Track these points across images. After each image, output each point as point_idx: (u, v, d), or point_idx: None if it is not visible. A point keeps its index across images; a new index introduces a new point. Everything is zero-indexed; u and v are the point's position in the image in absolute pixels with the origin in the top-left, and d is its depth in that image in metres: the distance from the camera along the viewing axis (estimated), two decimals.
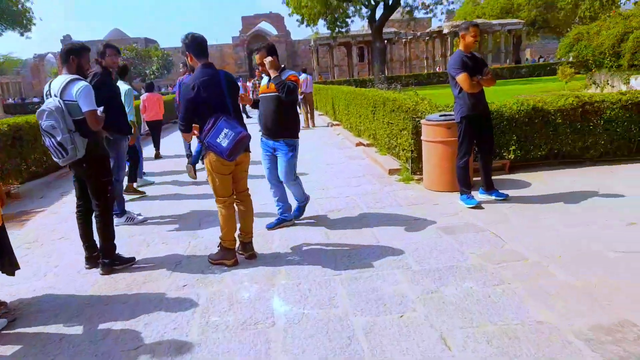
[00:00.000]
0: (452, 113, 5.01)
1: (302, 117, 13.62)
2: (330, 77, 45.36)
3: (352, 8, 31.75)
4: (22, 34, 32.63)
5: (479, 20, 44.47)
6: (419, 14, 33.24)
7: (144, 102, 9.18)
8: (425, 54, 49.32)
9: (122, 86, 5.94)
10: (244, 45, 55.55)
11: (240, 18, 57.01)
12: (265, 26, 58.86)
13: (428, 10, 32.07)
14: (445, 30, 43.81)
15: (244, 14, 59.82)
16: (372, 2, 30.61)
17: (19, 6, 31.36)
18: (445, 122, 4.76)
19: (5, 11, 30.52)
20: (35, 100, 42.83)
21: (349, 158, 7.54)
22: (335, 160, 7.48)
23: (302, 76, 13.50)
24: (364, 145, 8.16)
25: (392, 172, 6.06)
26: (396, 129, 6.21)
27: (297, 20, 31.29)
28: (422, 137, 5.16)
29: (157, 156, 9.40)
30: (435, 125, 4.84)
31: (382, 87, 15.16)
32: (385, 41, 39.59)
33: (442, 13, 35.49)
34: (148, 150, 9.46)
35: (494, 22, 43.94)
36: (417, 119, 5.46)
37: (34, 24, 32.80)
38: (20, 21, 31.89)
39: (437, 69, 46.83)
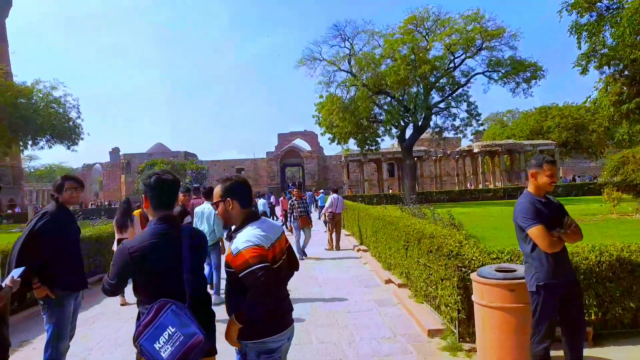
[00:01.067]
0: (513, 267, 3.81)
1: (326, 237, 12.67)
2: (360, 191, 45.29)
3: (382, 128, 32.44)
4: (69, 147, 34.55)
5: (509, 141, 44.75)
6: (448, 134, 33.53)
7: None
8: (456, 171, 49.17)
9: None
10: (277, 160, 57.46)
11: (277, 135, 59.84)
12: (300, 142, 61.35)
13: (457, 131, 32.29)
14: (476, 150, 44.05)
15: (281, 131, 62.90)
16: (402, 123, 31.22)
17: (70, 123, 33.68)
18: (505, 282, 3.52)
19: (57, 127, 32.72)
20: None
21: (376, 303, 6.17)
22: (359, 305, 6.12)
23: (334, 196, 12.98)
24: (394, 284, 6.86)
25: (432, 333, 4.67)
26: (436, 275, 4.97)
27: (328, 139, 32.02)
28: (472, 297, 3.89)
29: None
30: (491, 285, 3.59)
31: (414, 206, 14.22)
32: (415, 158, 39.85)
33: (471, 134, 35.91)
34: None
35: (526, 142, 44.00)
36: (464, 270, 4.24)
37: (82, 139, 34.85)
38: (69, 136, 33.97)
39: (468, 185, 46.22)
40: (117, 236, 6.99)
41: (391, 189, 47.72)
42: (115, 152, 73.65)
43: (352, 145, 33.80)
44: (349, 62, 29.47)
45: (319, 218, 19.05)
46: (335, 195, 13.16)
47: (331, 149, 75.39)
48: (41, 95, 31.73)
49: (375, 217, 9.31)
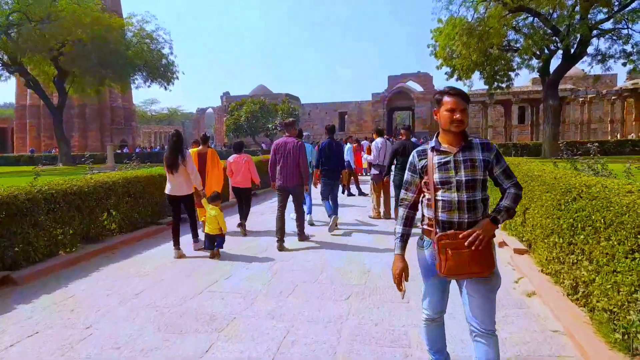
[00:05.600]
0: None
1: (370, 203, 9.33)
2: None
3: (517, 59, 25.37)
4: (165, 87, 33.27)
5: None
6: (615, 64, 25.21)
7: (230, 165, 7.63)
8: (610, 117, 39.17)
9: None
10: (384, 103, 51.90)
11: (387, 77, 54.06)
12: (412, 85, 54.87)
13: (628, 60, 23.82)
14: None
15: (391, 73, 56.58)
16: (546, 52, 23.89)
17: (163, 60, 32.08)
18: None
19: (150, 64, 31.31)
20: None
21: None
22: None
23: (378, 141, 8.91)
24: None
25: None
26: None
27: (445, 74, 25.97)
28: None
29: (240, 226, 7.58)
30: None
31: (562, 158, 9.01)
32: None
33: (627, 72, 26.81)
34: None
35: None
36: None
37: (177, 78, 33.34)
38: (164, 74, 32.58)
39: (631, 136, 36.45)
40: (168, 177, 6.18)
41: (519, 137, 39.84)
42: (226, 96, 74.38)
43: (476, 81, 27.29)
44: None
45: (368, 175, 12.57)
46: (379, 140, 8.89)
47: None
48: (134, 30, 30.18)
49: (563, 190, 4.03)
